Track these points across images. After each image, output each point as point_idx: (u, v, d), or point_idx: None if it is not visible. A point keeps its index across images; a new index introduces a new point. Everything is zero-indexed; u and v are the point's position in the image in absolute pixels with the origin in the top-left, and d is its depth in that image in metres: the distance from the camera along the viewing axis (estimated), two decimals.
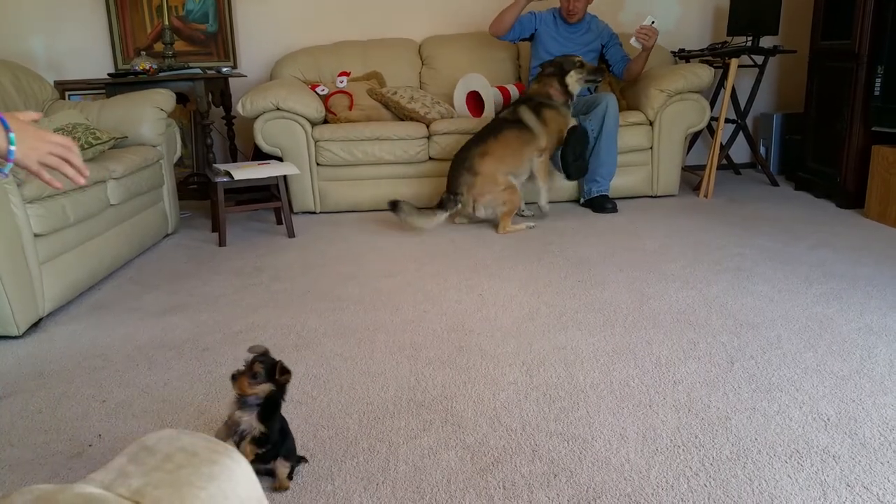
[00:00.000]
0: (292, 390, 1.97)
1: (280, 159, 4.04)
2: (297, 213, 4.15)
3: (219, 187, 3.53)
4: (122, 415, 1.88)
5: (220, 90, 4.57)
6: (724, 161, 4.94)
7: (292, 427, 1.61)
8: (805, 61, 4.37)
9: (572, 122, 3.91)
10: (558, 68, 3.87)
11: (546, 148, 3.81)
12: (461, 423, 1.77)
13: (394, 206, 3.57)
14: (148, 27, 4.82)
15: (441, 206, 3.66)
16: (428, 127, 4.14)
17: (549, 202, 3.93)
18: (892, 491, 1.44)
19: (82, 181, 1.22)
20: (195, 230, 3.93)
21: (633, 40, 4.05)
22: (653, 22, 3.99)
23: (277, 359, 1.53)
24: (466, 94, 4.40)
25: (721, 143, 4.46)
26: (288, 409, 1.85)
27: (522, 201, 3.86)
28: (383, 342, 2.29)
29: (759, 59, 4.59)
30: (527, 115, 3.79)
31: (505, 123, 3.77)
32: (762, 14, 4.42)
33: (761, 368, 2.01)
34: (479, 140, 3.71)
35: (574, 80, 3.86)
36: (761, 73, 4.60)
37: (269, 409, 1.51)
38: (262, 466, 1.51)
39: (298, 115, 3.99)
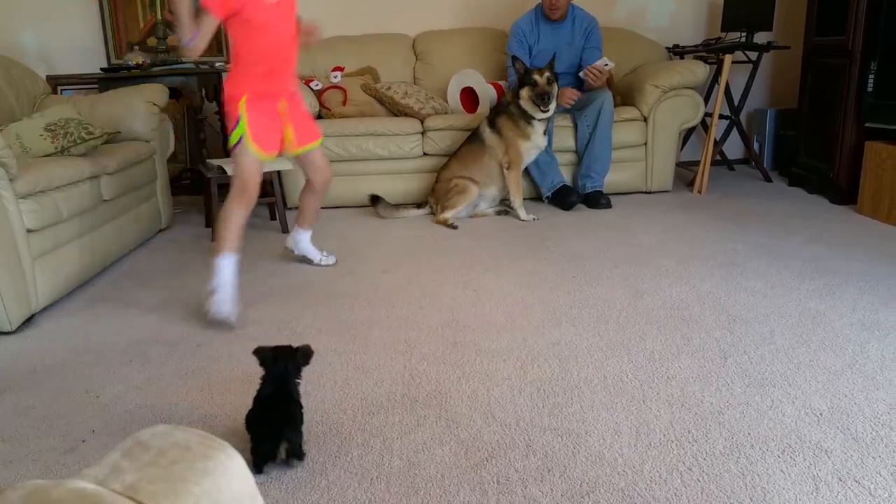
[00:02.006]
0: None
1: None
2: (291, 209, 4.14)
3: (212, 182, 3.52)
4: (116, 410, 1.88)
5: (213, 85, 4.55)
6: (718, 157, 4.95)
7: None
8: (799, 57, 4.39)
9: (535, 138, 3.75)
10: (521, 77, 3.70)
11: (508, 161, 3.76)
12: (455, 419, 1.77)
13: (374, 200, 3.95)
14: (141, 22, 4.80)
15: (418, 206, 4.00)
16: (422, 123, 4.14)
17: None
18: (884, 485, 1.45)
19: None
20: (188, 225, 3.92)
21: (581, 73, 4.05)
22: (606, 64, 3.97)
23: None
24: (461, 90, 4.39)
25: (715, 139, 4.47)
26: None
27: (488, 204, 3.93)
28: (378, 338, 2.29)
29: (753, 55, 4.60)
30: (483, 125, 3.86)
31: (470, 135, 3.92)
32: (756, 10, 4.43)
33: (754, 364, 2.02)
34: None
35: (525, 96, 3.66)
36: (755, 69, 4.61)
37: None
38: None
39: None
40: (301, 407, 1.63)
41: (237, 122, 2.49)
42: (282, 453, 1.55)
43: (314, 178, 2.86)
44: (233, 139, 2.52)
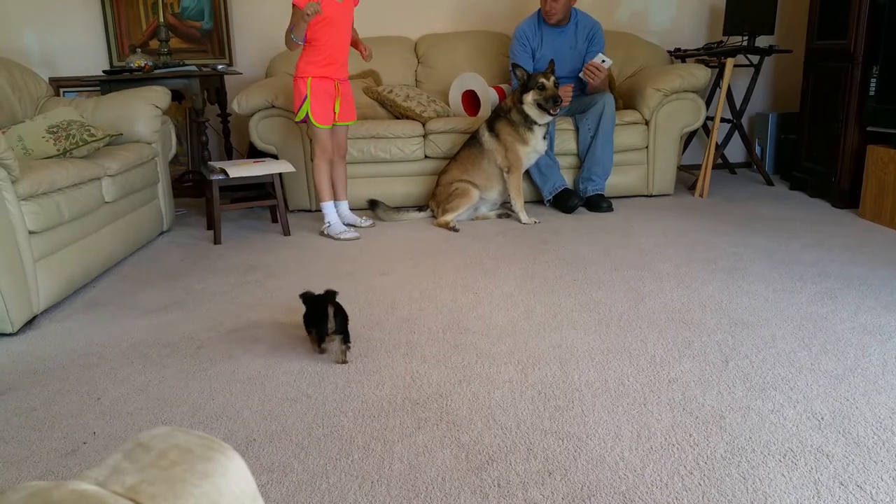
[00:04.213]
0: (286, 388, 1.97)
1: (275, 157, 4.04)
2: (292, 212, 4.15)
3: (214, 185, 3.52)
4: (117, 412, 1.88)
5: (215, 88, 4.56)
6: (720, 160, 4.96)
7: (287, 424, 1.62)
8: (801, 61, 4.39)
9: (535, 142, 3.74)
10: (524, 83, 3.69)
11: (507, 165, 3.76)
12: (456, 422, 1.77)
13: (372, 204, 3.96)
14: (143, 24, 4.81)
15: (420, 208, 4.02)
16: (424, 125, 4.14)
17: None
18: (886, 490, 1.44)
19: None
20: (190, 228, 3.92)
21: (581, 73, 4.05)
22: (603, 61, 3.97)
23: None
24: (462, 93, 4.40)
25: (716, 143, 4.47)
26: (283, 407, 1.86)
27: (489, 207, 3.95)
28: (379, 340, 2.29)
29: (755, 58, 4.60)
30: (482, 129, 3.86)
31: (469, 139, 3.93)
32: (758, 14, 4.43)
33: (756, 367, 2.01)
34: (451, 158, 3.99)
35: (530, 100, 3.65)
36: (757, 73, 4.61)
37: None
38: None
39: (294, 112, 3.98)
40: (347, 317, 2.15)
41: (303, 99, 3.43)
42: (332, 324, 2.08)
43: (334, 147, 3.61)
44: (300, 115, 3.48)
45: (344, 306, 2.15)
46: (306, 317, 2.20)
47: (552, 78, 3.65)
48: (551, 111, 3.64)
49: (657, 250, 3.19)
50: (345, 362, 2.12)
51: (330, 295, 2.14)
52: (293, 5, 3.25)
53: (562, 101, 3.64)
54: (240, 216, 4.14)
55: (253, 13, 4.88)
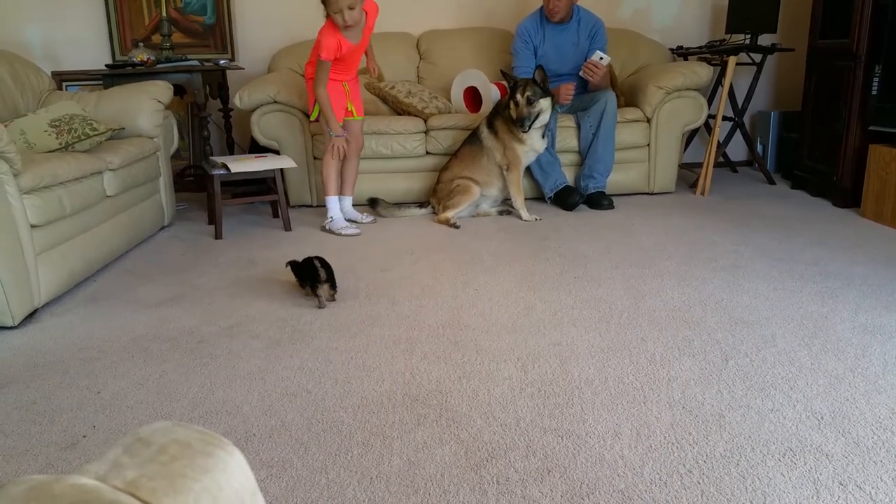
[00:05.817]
0: (286, 383, 1.98)
1: (277, 152, 4.04)
2: (293, 207, 4.15)
3: (215, 180, 3.52)
4: (117, 406, 1.88)
5: (217, 82, 4.56)
6: (721, 159, 4.95)
7: (286, 420, 1.62)
8: (803, 60, 4.38)
9: (532, 142, 3.74)
10: (511, 90, 3.68)
11: (506, 163, 3.77)
12: (456, 418, 1.77)
13: (372, 202, 3.96)
14: (146, 18, 4.80)
15: (420, 205, 4.02)
16: (425, 122, 4.14)
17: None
18: (885, 490, 1.45)
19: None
20: (191, 222, 3.93)
21: (581, 72, 4.05)
22: (601, 58, 3.97)
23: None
24: (464, 90, 4.39)
25: (718, 141, 4.46)
26: (283, 402, 1.86)
27: (490, 204, 3.95)
28: (379, 336, 2.29)
29: (758, 56, 4.59)
30: (481, 126, 3.86)
31: (469, 136, 3.92)
32: (761, 12, 4.42)
33: (756, 366, 2.01)
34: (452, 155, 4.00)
35: (512, 109, 3.65)
36: (759, 71, 4.60)
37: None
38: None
39: (295, 108, 3.98)
40: (332, 269, 2.58)
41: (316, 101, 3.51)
42: (322, 275, 2.53)
43: (350, 144, 3.64)
44: (314, 114, 3.59)
45: (331, 273, 2.60)
46: (299, 276, 2.66)
47: (527, 94, 3.58)
48: (521, 129, 3.64)
49: (658, 248, 3.19)
50: (332, 300, 2.60)
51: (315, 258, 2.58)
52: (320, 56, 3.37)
53: (525, 124, 3.60)
54: (241, 211, 4.14)
55: (255, 8, 4.87)
